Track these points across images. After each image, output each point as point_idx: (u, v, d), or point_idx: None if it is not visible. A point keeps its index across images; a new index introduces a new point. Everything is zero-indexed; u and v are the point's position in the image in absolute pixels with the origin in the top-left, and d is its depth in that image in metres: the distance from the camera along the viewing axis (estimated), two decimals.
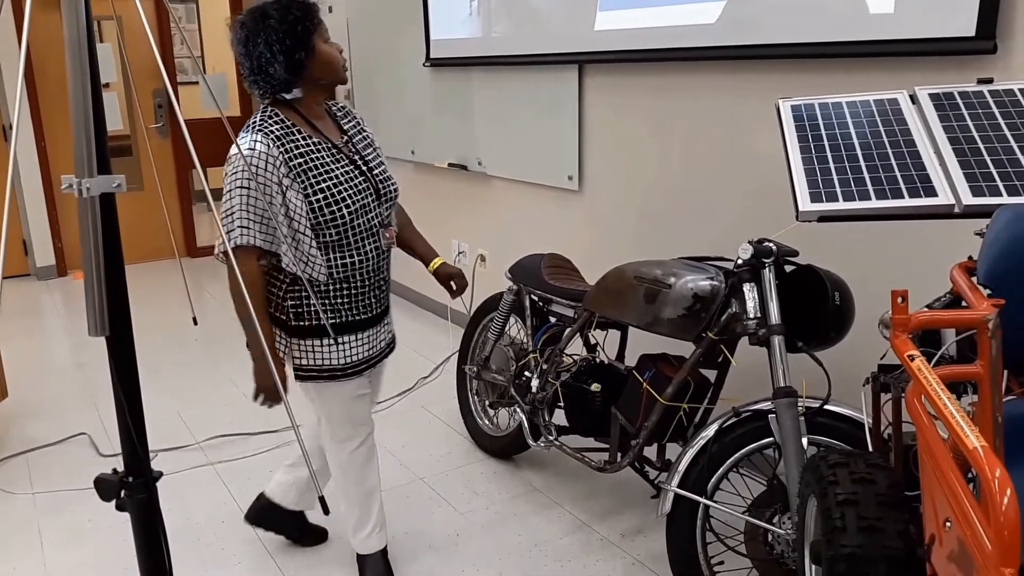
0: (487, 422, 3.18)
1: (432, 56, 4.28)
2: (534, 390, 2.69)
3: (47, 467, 3.10)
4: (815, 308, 2.08)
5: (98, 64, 0.98)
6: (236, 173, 1.95)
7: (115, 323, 1.06)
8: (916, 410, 1.19)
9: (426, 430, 3.36)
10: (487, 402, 3.09)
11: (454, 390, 3.70)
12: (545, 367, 2.68)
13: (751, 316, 2.08)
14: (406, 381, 3.86)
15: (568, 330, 2.65)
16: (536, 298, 2.83)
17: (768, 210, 2.73)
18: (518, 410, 2.77)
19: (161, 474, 1.21)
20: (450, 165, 4.34)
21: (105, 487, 1.12)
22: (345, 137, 2.18)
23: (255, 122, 2.01)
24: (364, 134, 2.26)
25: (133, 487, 1.13)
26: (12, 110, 5.67)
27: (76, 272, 6.16)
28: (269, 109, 2.04)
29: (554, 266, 2.86)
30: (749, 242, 2.08)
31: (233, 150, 1.97)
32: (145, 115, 6.25)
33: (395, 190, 2.26)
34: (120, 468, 1.15)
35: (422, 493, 2.86)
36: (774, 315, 2.04)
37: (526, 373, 2.78)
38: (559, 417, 2.65)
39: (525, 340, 2.89)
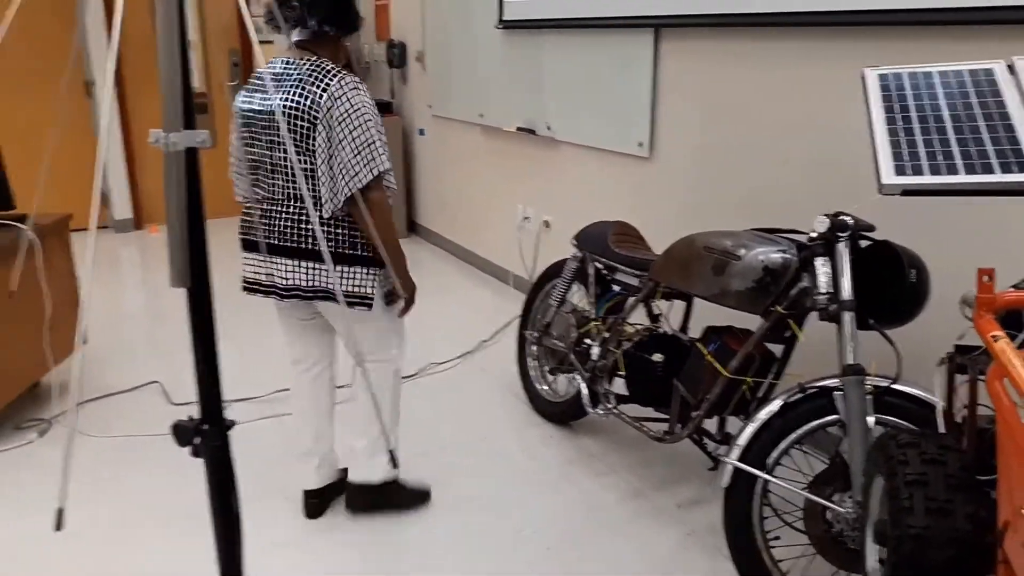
0: (546, 387, 3.19)
1: (504, 18, 4.25)
2: (595, 358, 2.69)
3: (122, 413, 3.23)
4: (890, 285, 2.02)
5: (186, 21, 1.00)
6: (365, 105, 2.16)
7: (196, 275, 1.09)
8: (997, 392, 1.16)
9: (484, 393, 3.39)
10: (547, 368, 3.10)
11: (514, 355, 3.73)
12: (607, 335, 2.68)
13: (822, 291, 2.03)
14: (467, 344, 3.90)
15: (632, 299, 2.63)
16: (601, 266, 2.81)
17: (846, 183, 2.66)
18: (578, 377, 2.78)
19: (234, 423, 1.24)
20: (519, 129, 4.32)
21: (181, 433, 1.16)
22: None
23: (332, 68, 2.17)
24: None
25: (208, 434, 1.17)
26: (96, 67, 5.85)
27: (152, 226, 6.35)
28: (327, 62, 2.20)
29: (621, 234, 2.83)
30: (825, 215, 2.03)
31: (349, 85, 2.14)
32: (221, 73, 6.36)
33: None
34: (194, 416, 1.19)
35: (479, 454, 2.90)
36: (846, 291, 1.99)
37: (587, 340, 2.78)
38: (618, 386, 2.65)
39: (587, 308, 2.88)
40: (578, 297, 3.00)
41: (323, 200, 2.18)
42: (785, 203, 2.87)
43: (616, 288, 2.79)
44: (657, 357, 2.47)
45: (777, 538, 2.13)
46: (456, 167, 5.23)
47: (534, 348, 3.20)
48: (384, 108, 5.74)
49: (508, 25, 4.23)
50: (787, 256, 2.12)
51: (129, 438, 3.03)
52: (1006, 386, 1.15)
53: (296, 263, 2.24)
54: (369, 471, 2.47)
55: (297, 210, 2.23)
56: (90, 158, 6.05)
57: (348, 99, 2.12)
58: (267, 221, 2.27)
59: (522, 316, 3.25)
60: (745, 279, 2.16)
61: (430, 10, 5.12)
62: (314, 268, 2.24)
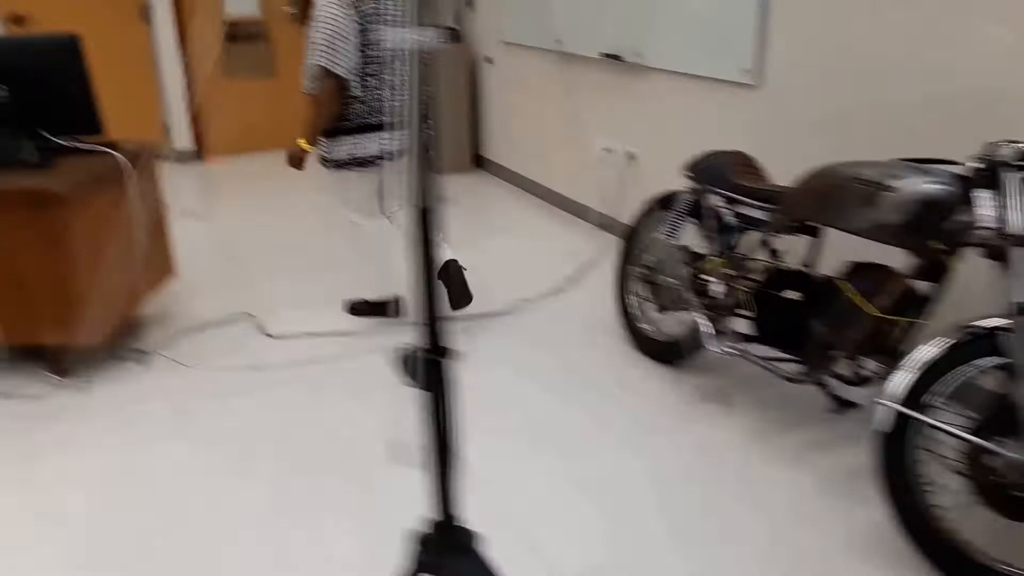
0: (647, 326, 3.10)
1: None
2: (718, 296, 2.58)
3: (216, 344, 3.20)
4: None
5: None
6: (323, 11, 2.86)
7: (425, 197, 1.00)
8: None
9: (575, 332, 3.31)
10: (658, 306, 3.00)
11: (602, 293, 3.63)
12: (732, 272, 2.56)
13: (989, 225, 1.90)
14: (552, 281, 3.80)
15: (762, 234, 2.51)
16: (722, 200, 2.68)
17: (991, 115, 2.48)
18: (697, 315, 2.67)
19: (455, 352, 1.16)
20: (602, 56, 4.14)
21: (406, 361, 1.10)
22: None
23: None
24: None
25: (430, 362, 1.10)
26: None
27: (214, 157, 6.26)
28: None
29: (742, 165, 2.69)
30: (992, 142, 1.89)
31: None
32: (280, 0, 6.19)
33: None
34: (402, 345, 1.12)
35: (587, 390, 2.83)
36: (1018, 224, 1.85)
37: (707, 278, 2.66)
38: (738, 325, 2.54)
39: (703, 243, 2.76)
40: (691, 232, 2.88)
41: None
42: (924, 135, 2.69)
43: (737, 223, 2.66)
44: (792, 295, 2.35)
45: (931, 483, 2.04)
46: (528, 97, 5.06)
47: (637, 285, 3.10)
48: (449, 35, 5.56)
49: None
50: (947, 187, 1.98)
51: (224, 368, 2.99)
52: None
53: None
54: None
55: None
56: (148, 86, 5.95)
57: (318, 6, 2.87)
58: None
59: (623, 252, 3.13)
60: (901, 211, 2.02)
61: None
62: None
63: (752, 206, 2.56)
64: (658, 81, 3.85)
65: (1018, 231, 1.85)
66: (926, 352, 1.95)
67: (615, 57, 4.06)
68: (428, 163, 0.99)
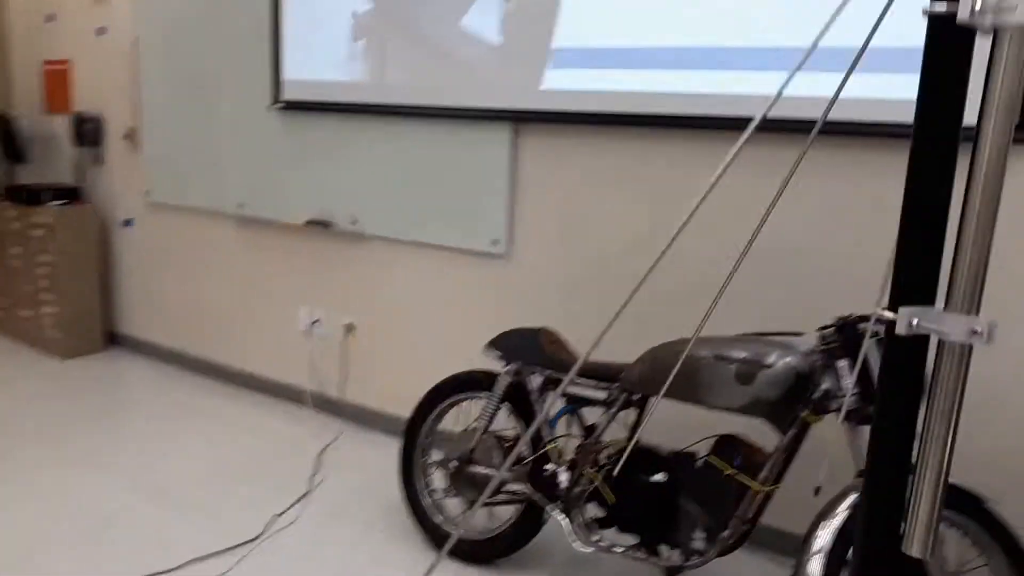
0: (455, 523, 2.76)
1: (285, 98, 3.74)
2: (566, 484, 2.39)
3: None
4: None
5: None
6: None
7: None
8: None
9: (354, 536, 2.83)
10: (467, 501, 2.68)
11: (357, 484, 3.19)
12: (577, 457, 2.40)
13: (851, 392, 2.05)
14: (294, 486, 3.23)
15: (605, 414, 2.40)
16: (544, 379, 2.53)
17: (706, 287, 2.75)
18: (555, 510, 2.43)
19: None
20: (309, 223, 3.79)
21: None
22: None
23: None
24: None
25: None
26: None
27: None
28: None
29: (553, 341, 2.59)
30: (840, 317, 2.09)
31: None
32: None
33: None
34: None
35: None
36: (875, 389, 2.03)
37: (548, 466, 2.46)
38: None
39: (522, 427, 2.57)
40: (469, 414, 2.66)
41: None
42: (663, 303, 2.88)
43: (566, 402, 2.53)
44: (660, 477, 2.27)
45: None
46: (192, 264, 4.41)
47: (435, 480, 2.76)
48: (67, 195, 4.65)
49: (291, 106, 3.73)
50: (814, 359, 2.10)
51: None
52: None
53: None
54: None
55: None
56: None
57: None
58: None
59: (405, 445, 2.79)
60: (777, 386, 2.09)
61: (150, 80, 4.32)
62: None
63: (588, 384, 2.46)
64: (382, 249, 3.63)
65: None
66: (837, 514, 2.00)
67: (323, 223, 3.74)
68: None
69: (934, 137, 0.91)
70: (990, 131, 0.85)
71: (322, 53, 3.57)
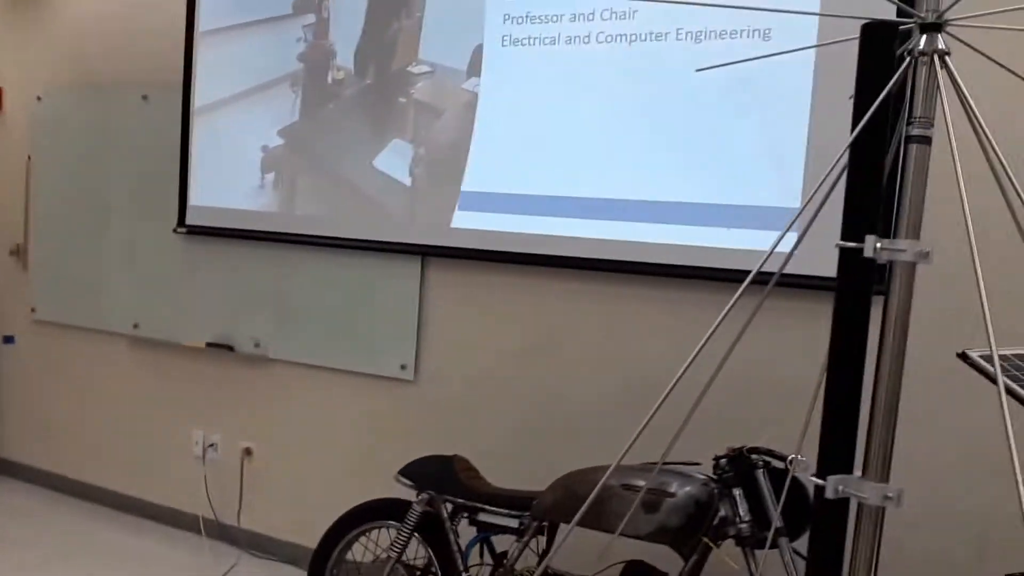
0: None
1: (189, 223, 3.76)
2: None
3: None
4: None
5: None
6: None
7: None
8: None
9: None
10: None
11: None
12: None
13: (746, 519, 2.23)
14: None
15: (518, 543, 2.48)
16: (455, 508, 2.60)
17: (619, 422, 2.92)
18: None
19: None
20: (208, 345, 3.77)
21: None
22: None
23: None
24: None
25: None
26: None
27: None
28: None
29: (466, 469, 2.68)
30: (732, 448, 2.28)
31: None
32: None
33: None
34: None
35: None
36: (776, 517, 2.21)
37: None
38: None
39: (437, 556, 2.61)
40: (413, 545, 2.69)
41: None
42: (580, 433, 3.03)
43: (478, 531, 2.60)
44: None
45: None
46: (81, 385, 4.27)
47: None
48: None
49: (194, 231, 3.75)
50: (710, 488, 2.27)
51: None
52: None
53: None
54: None
55: None
56: None
57: None
58: None
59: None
60: (680, 513, 2.24)
61: (43, 197, 4.25)
62: None
63: (497, 513, 2.54)
64: (284, 372, 3.64)
65: (779, 523, 2.21)
66: None
67: (225, 347, 3.73)
68: None
69: (847, 344, 1.11)
70: (890, 341, 1.06)
71: (230, 181, 3.64)
